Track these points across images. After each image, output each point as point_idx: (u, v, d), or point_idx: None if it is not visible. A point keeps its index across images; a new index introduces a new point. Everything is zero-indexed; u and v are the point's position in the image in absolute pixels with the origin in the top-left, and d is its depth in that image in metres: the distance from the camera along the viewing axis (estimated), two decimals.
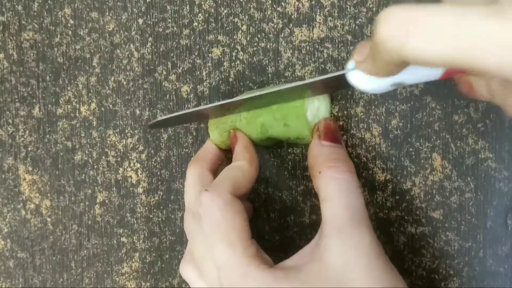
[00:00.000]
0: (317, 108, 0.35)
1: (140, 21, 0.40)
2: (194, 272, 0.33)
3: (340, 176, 0.32)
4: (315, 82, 0.32)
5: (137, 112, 0.40)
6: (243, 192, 0.33)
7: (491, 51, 0.21)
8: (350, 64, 0.29)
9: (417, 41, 0.22)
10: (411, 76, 0.29)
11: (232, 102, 0.34)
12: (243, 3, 0.38)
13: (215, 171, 0.36)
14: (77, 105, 0.41)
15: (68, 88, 0.41)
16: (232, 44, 0.38)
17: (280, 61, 0.38)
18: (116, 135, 0.41)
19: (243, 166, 0.34)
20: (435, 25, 0.22)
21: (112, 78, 0.40)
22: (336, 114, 0.37)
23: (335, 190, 0.32)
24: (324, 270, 0.30)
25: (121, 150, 0.41)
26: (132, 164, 0.41)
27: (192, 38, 0.39)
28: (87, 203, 0.41)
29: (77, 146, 0.41)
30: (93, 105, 0.41)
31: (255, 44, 0.38)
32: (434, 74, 0.29)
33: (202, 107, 0.35)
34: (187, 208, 0.35)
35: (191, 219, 0.34)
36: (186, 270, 0.34)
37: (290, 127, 0.35)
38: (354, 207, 0.31)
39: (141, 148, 0.40)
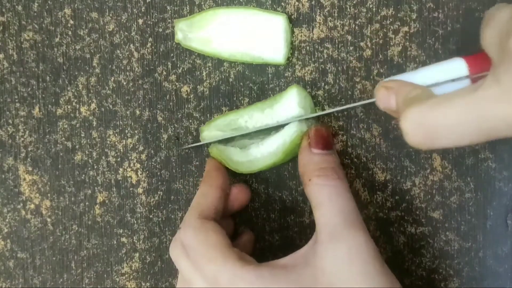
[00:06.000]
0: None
1: (140, 21, 0.40)
2: None
3: (329, 183, 0.32)
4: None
5: (137, 112, 0.40)
6: (212, 212, 0.35)
7: (507, 128, 0.25)
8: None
9: (442, 143, 0.27)
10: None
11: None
12: (243, 3, 0.38)
13: (220, 210, 0.37)
14: (77, 105, 0.41)
15: (68, 88, 0.41)
16: None
17: None
18: (116, 135, 0.41)
19: (203, 191, 0.36)
20: (455, 127, 0.26)
21: (112, 78, 0.40)
22: (336, 114, 0.37)
23: (326, 197, 0.32)
24: (317, 275, 0.30)
25: (121, 150, 0.41)
26: (132, 164, 0.41)
27: None
28: (87, 203, 0.41)
29: (77, 146, 0.41)
30: (93, 105, 0.41)
31: None
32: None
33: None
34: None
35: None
36: None
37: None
38: (345, 212, 0.32)
39: (141, 148, 0.40)
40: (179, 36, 0.38)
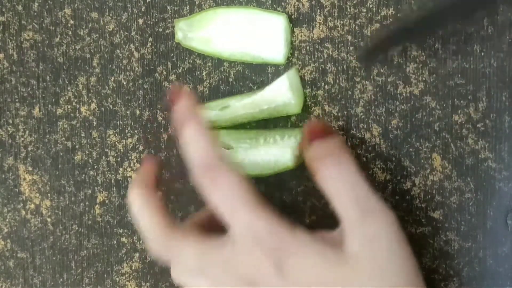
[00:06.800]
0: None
1: (140, 21, 0.40)
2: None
3: (335, 171, 0.32)
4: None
5: (137, 112, 0.40)
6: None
7: None
8: None
9: None
10: None
11: None
12: (243, 3, 0.38)
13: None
14: (77, 105, 0.41)
15: (68, 88, 0.41)
16: None
17: None
18: (116, 135, 0.41)
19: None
20: None
21: (112, 78, 0.40)
22: (336, 114, 0.37)
23: (336, 187, 0.32)
24: (340, 256, 0.30)
25: (121, 150, 0.41)
26: (132, 164, 0.41)
27: None
28: (87, 203, 0.41)
29: (77, 146, 0.41)
30: (93, 105, 0.41)
31: None
32: None
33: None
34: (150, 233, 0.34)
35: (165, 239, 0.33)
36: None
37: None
38: (360, 196, 0.31)
39: (141, 148, 0.40)
40: (179, 36, 0.38)
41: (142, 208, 0.34)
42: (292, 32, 0.37)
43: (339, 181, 0.32)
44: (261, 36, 0.37)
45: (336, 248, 0.30)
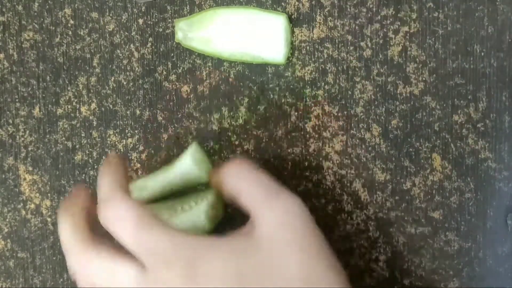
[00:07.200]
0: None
1: (140, 21, 0.40)
2: None
3: (237, 170, 0.33)
4: None
5: (137, 112, 0.40)
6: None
7: None
8: None
9: None
10: None
11: None
12: (243, 3, 0.38)
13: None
14: (77, 105, 0.41)
15: (68, 88, 0.41)
16: None
17: None
18: (116, 135, 0.41)
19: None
20: None
21: (112, 78, 0.40)
22: (336, 114, 0.37)
23: (242, 184, 0.33)
24: (257, 244, 0.30)
25: (121, 150, 0.41)
26: (132, 164, 0.41)
27: None
28: None
29: (77, 146, 0.41)
30: (93, 105, 0.41)
31: None
32: None
33: None
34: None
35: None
36: None
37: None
38: (265, 185, 0.32)
39: (141, 148, 0.40)
40: (179, 35, 0.38)
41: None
42: (292, 32, 0.37)
43: (244, 179, 0.33)
44: (261, 36, 0.37)
45: (247, 236, 0.31)
